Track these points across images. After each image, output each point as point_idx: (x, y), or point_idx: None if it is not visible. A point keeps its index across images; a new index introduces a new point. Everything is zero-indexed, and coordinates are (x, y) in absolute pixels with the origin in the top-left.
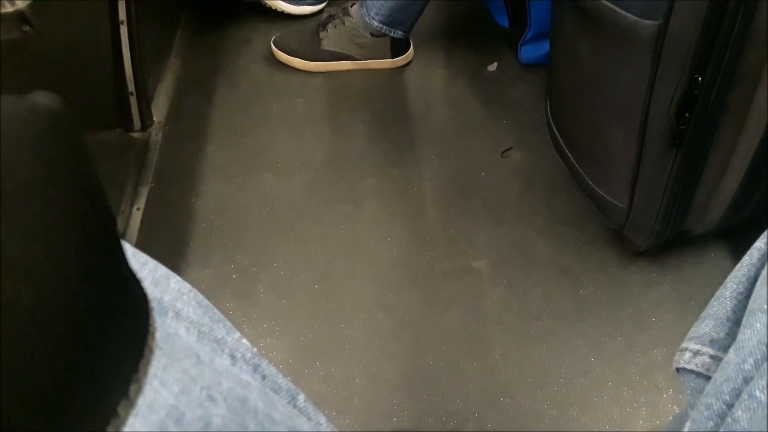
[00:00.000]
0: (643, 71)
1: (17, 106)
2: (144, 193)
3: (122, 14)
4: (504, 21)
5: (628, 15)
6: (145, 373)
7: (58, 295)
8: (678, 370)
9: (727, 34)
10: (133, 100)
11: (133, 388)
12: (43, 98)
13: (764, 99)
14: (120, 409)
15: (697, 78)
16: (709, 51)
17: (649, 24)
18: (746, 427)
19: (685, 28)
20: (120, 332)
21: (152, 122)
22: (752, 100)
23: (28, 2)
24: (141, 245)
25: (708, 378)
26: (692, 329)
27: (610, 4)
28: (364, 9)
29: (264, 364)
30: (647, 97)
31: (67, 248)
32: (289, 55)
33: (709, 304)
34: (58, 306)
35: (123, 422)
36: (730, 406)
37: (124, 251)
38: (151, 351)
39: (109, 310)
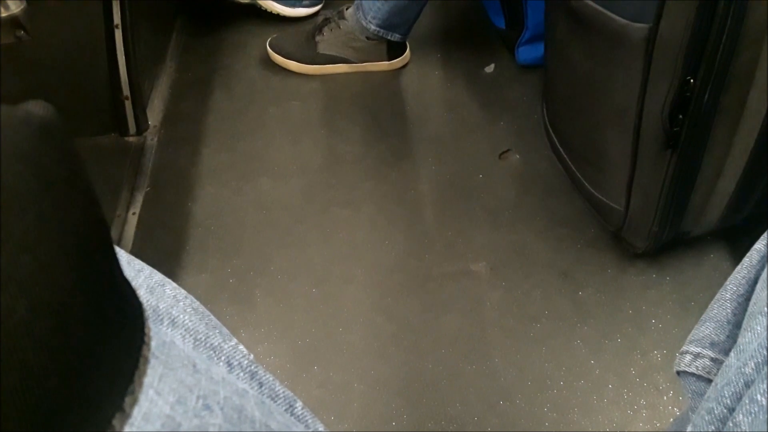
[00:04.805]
0: (635, 74)
1: (10, 117)
2: (140, 197)
3: (117, 18)
4: (501, 22)
5: (619, 18)
6: (141, 383)
7: (51, 308)
8: (678, 373)
9: (717, 35)
10: (128, 104)
11: (128, 399)
12: (36, 108)
13: (757, 100)
14: (115, 422)
15: (690, 80)
16: (700, 53)
17: (639, 27)
18: (748, 431)
19: (675, 31)
20: (115, 343)
21: (147, 126)
22: (745, 101)
23: (22, 7)
24: (137, 250)
25: (709, 381)
26: (692, 332)
27: (600, 8)
28: (360, 12)
29: (261, 371)
30: (640, 100)
31: (61, 260)
32: (285, 58)
33: (709, 306)
34: (51, 318)
35: None
36: (732, 410)
37: (119, 260)
38: (147, 361)
39: (103, 321)
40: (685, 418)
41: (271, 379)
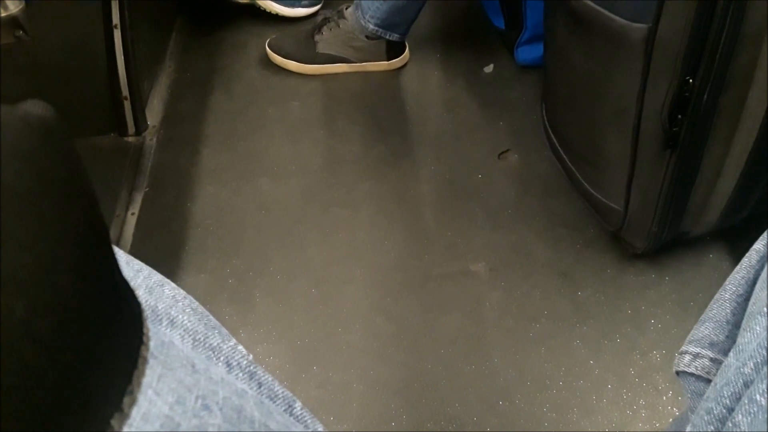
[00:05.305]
0: (635, 74)
1: (10, 117)
2: (139, 198)
3: (116, 18)
4: (500, 23)
5: (618, 18)
6: (139, 383)
7: (50, 308)
8: (678, 373)
9: (716, 36)
10: (127, 104)
11: (127, 399)
12: (35, 108)
13: (757, 100)
14: (114, 422)
15: (689, 80)
16: (699, 53)
17: (638, 27)
18: (747, 431)
19: (674, 31)
20: (113, 343)
21: (147, 126)
22: (744, 101)
23: (21, 7)
24: (136, 250)
25: (708, 381)
26: (692, 332)
27: (599, 8)
28: (360, 12)
29: (260, 371)
30: (639, 100)
31: (60, 260)
32: (284, 58)
33: (709, 306)
34: (50, 319)
35: None
36: (731, 410)
37: (117, 260)
38: (145, 361)
39: (102, 322)
40: (684, 419)
41: (270, 379)
